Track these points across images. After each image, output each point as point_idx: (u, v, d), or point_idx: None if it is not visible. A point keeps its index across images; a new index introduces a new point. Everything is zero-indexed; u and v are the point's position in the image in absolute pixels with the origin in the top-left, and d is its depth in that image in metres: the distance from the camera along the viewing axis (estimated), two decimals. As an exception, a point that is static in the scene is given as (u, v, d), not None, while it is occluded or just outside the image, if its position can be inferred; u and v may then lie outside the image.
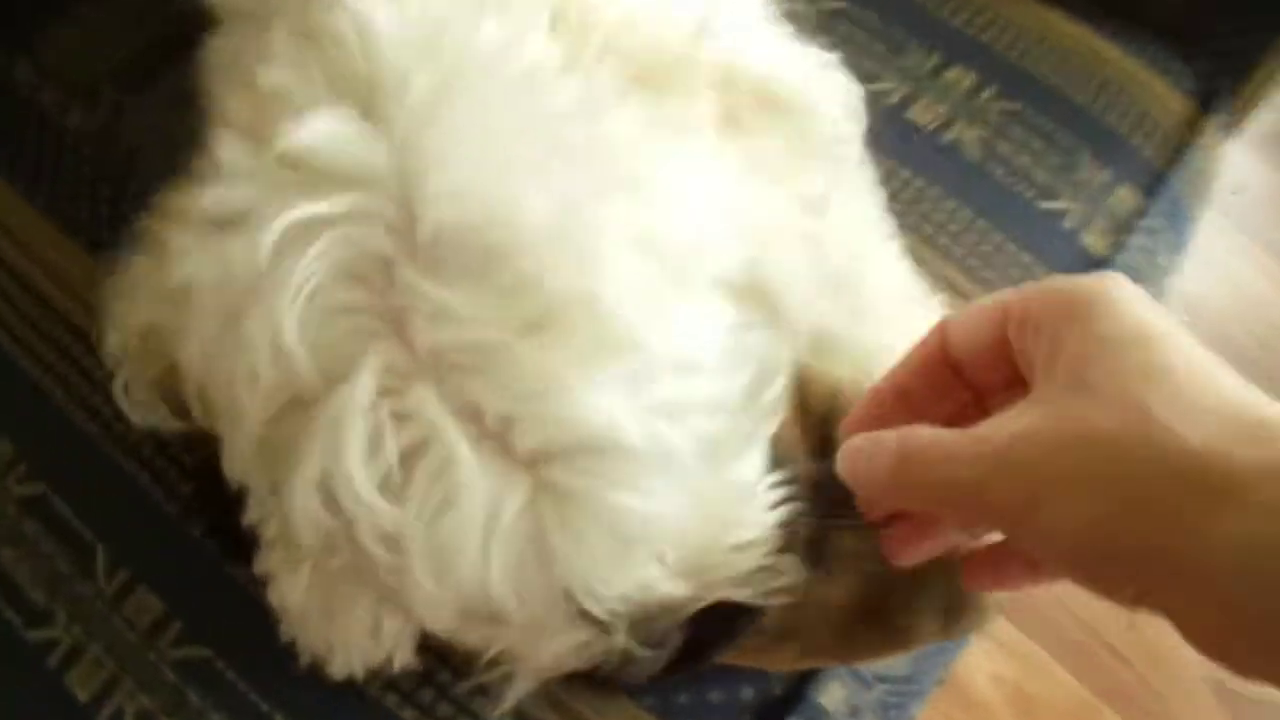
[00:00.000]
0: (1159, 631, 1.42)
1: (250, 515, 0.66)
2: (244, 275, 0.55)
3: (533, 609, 0.58)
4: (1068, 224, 1.03)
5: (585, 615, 0.60)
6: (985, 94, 1.07)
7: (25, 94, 1.05)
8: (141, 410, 0.70)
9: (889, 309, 0.82)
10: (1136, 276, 0.99)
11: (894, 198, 0.94)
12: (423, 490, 0.54)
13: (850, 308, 0.78)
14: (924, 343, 0.60)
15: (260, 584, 0.71)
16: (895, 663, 0.84)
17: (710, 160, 0.62)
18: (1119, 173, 1.06)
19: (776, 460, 0.65)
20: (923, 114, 1.05)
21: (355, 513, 0.54)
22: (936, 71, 1.08)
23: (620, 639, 0.63)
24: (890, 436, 0.55)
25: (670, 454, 0.55)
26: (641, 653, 0.64)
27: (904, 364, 0.61)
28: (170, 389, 0.65)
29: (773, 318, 0.64)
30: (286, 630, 0.68)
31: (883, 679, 0.83)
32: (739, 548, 0.63)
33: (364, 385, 0.53)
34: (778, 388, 0.63)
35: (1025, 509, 0.49)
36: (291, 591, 0.66)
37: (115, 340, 0.67)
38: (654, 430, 0.54)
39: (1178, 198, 1.08)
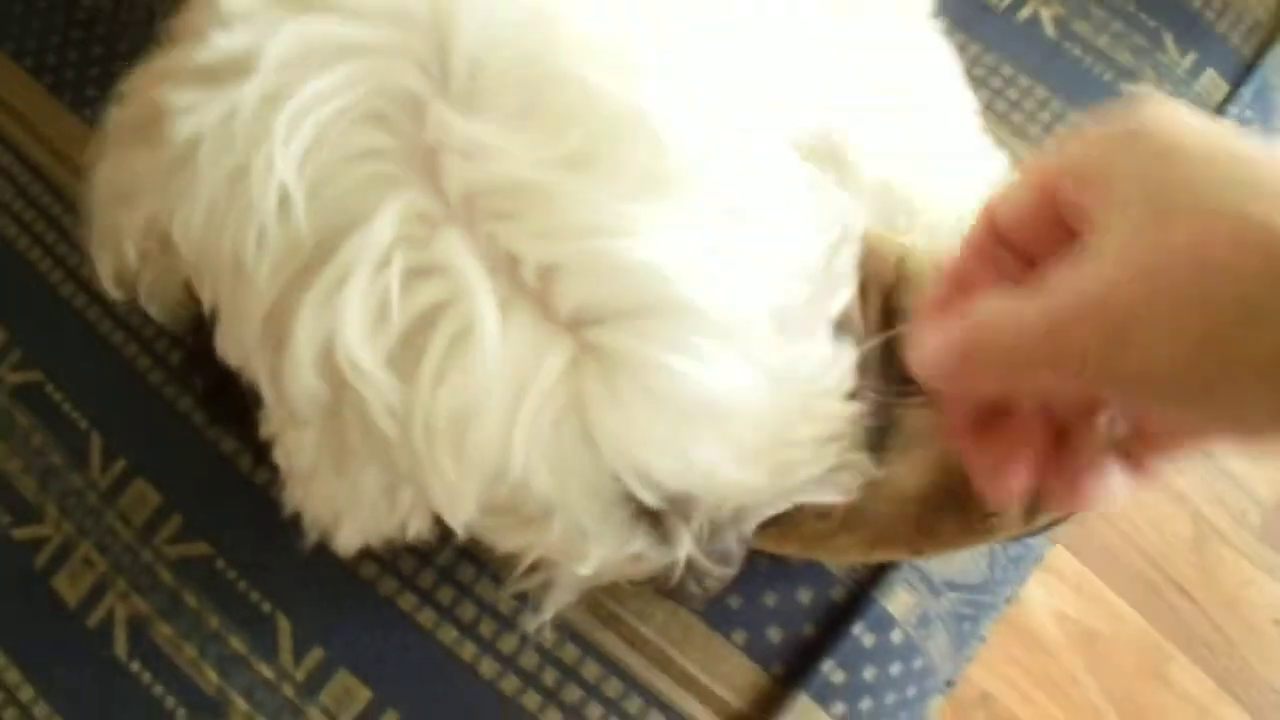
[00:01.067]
0: (1229, 570, 1.41)
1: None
2: (249, 122, 0.50)
3: (573, 500, 0.53)
4: None
5: (639, 516, 0.56)
6: None
7: None
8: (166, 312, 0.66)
9: (956, 163, 0.79)
10: None
11: (966, 74, 0.87)
12: (439, 356, 0.49)
13: (916, 159, 0.75)
14: (974, 229, 0.54)
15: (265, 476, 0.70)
16: (968, 568, 0.79)
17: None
18: (1204, 57, 1.01)
19: (842, 334, 0.60)
20: None
21: (359, 386, 0.50)
22: None
23: (682, 550, 0.58)
24: (954, 316, 0.50)
25: (738, 316, 0.50)
26: (706, 568, 0.60)
27: (958, 253, 0.55)
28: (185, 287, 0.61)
29: (845, 179, 0.60)
30: (291, 498, 0.63)
31: (954, 586, 0.78)
32: (817, 441, 0.58)
33: (378, 234, 0.48)
34: (852, 254, 0.58)
35: (1113, 349, 0.44)
36: (298, 449, 0.61)
37: (129, 249, 0.63)
38: (720, 285, 0.49)
39: (1267, 91, 1.03)
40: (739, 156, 0.51)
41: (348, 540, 0.62)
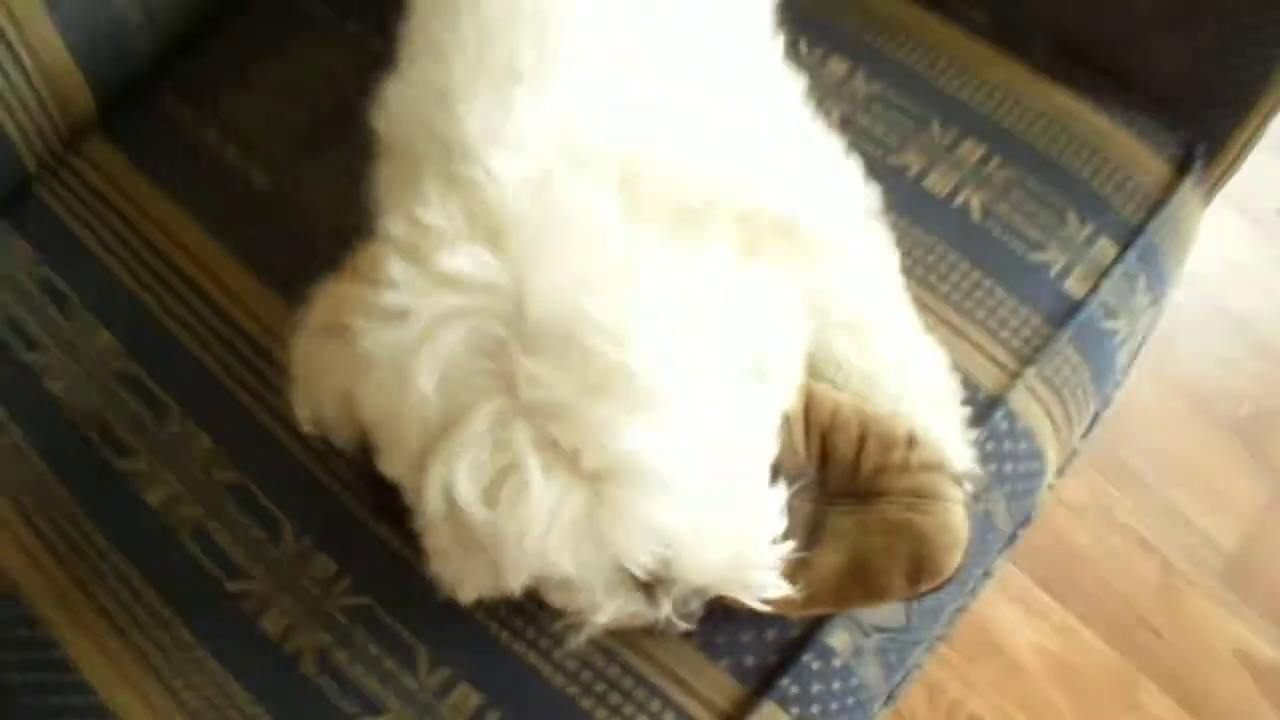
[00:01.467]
0: (1193, 609, 1.72)
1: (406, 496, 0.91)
2: (406, 350, 0.79)
3: (591, 576, 0.83)
4: (1052, 272, 1.19)
5: (636, 587, 0.86)
6: (991, 164, 1.24)
7: (215, 155, 1.28)
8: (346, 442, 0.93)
9: (888, 348, 1.04)
10: (1110, 312, 1.19)
11: (908, 253, 1.13)
12: (509, 496, 0.77)
13: (857, 344, 1.02)
14: None
15: (407, 546, 0.97)
16: (889, 617, 1.04)
17: (724, 272, 0.85)
18: (1099, 227, 1.22)
19: (784, 464, 0.89)
20: (937, 183, 1.23)
21: (465, 513, 0.78)
22: (952, 146, 1.25)
23: (664, 609, 0.88)
24: None
25: (682, 478, 0.80)
26: (677, 620, 0.89)
27: None
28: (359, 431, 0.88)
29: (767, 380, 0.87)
30: (433, 568, 0.90)
31: (880, 629, 1.03)
32: (754, 560, 0.87)
33: (477, 424, 0.78)
34: (772, 428, 0.88)
35: None
36: (437, 538, 0.89)
37: (325, 405, 0.90)
38: (671, 462, 0.79)
39: (1154, 245, 1.24)
40: (686, 385, 0.79)
41: (466, 596, 0.90)
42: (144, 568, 1.07)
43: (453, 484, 0.78)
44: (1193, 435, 2.02)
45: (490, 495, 0.78)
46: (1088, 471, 1.95)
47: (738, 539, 0.85)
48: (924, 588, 0.93)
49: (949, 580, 0.94)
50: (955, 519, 0.93)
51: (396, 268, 0.81)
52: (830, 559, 0.93)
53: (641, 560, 0.80)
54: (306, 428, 0.92)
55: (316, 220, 1.16)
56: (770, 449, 0.87)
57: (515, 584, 0.83)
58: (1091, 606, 1.88)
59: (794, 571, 0.89)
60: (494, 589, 0.89)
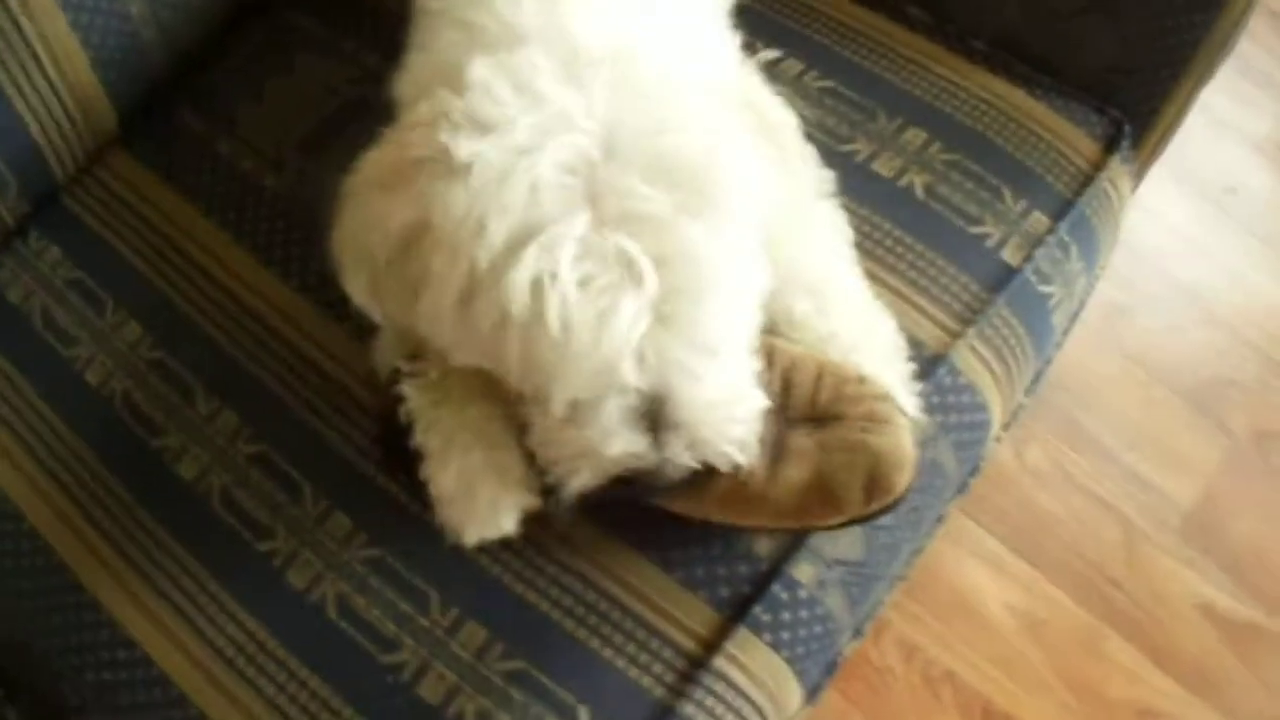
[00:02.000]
0: (1154, 566, 1.88)
1: (417, 437, 1.01)
2: (509, 155, 0.84)
3: (642, 381, 0.87)
4: (990, 244, 1.27)
5: (646, 427, 0.91)
6: (933, 148, 1.33)
7: (229, 162, 1.36)
8: (384, 301, 0.96)
9: (844, 310, 1.13)
10: (1044, 278, 1.28)
11: (859, 229, 1.22)
12: (595, 296, 0.82)
13: (816, 306, 1.11)
14: None
15: (415, 501, 1.04)
16: (850, 549, 1.13)
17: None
18: (1033, 202, 1.30)
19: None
20: (884, 167, 1.32)
21: (555, 300, 0.81)
22: (897, 133, 1.34)
23: (665, 451, 0.92)
24: None
25: (738, 312, 0.90)
26: (664, 472, 0.93)
27: None
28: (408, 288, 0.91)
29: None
30: (438, 515, 1.00)
31: (840, 562, 1.12)
32: (740, 417, 0.94)
33: (575, 227, 0.82)
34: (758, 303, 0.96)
35: None
36: (444, 482, 0.98)
37: (378, 256, 0.92)
38: (736, 275, 0.88)
39: (1084, 217, 1.32)
40: (747, 233, 0.88)
41: (469, 538, 1.00)
42: (181, 536, 1.14)
43: (550, 274, 0.82)
44: (1149, 401, 2.09)
45: (580, 294, 0.82)
46: (1049, 439, 2.02)
47: (731, 387, 0.93)
48: (877, 504, 1.01)
49: (899, 500, 1.01)
50: (904, 441, 1.01)
51: (500, 87, 0.86)
52: (794, 474, 1.01)
53: (677, 379, 0.88)
54: (361, 298, 0.96)
55: (320, 211, 1.18)
56: (754, 323, 0.96)
57: (562, 392, 0.88)
58: (1058, 566, 1.94)
59: (763, 485, 0.99)
60: (494, 527, 0.98)
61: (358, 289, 0.95)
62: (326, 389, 1.20)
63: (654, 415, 0.89)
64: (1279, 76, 2.44)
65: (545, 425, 0.93)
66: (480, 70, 0.88)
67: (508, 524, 0.99)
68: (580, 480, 0.94)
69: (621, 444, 0.90)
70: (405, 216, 0.88)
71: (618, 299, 0.82)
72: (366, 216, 0.92)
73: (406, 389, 1.03)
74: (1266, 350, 2.15)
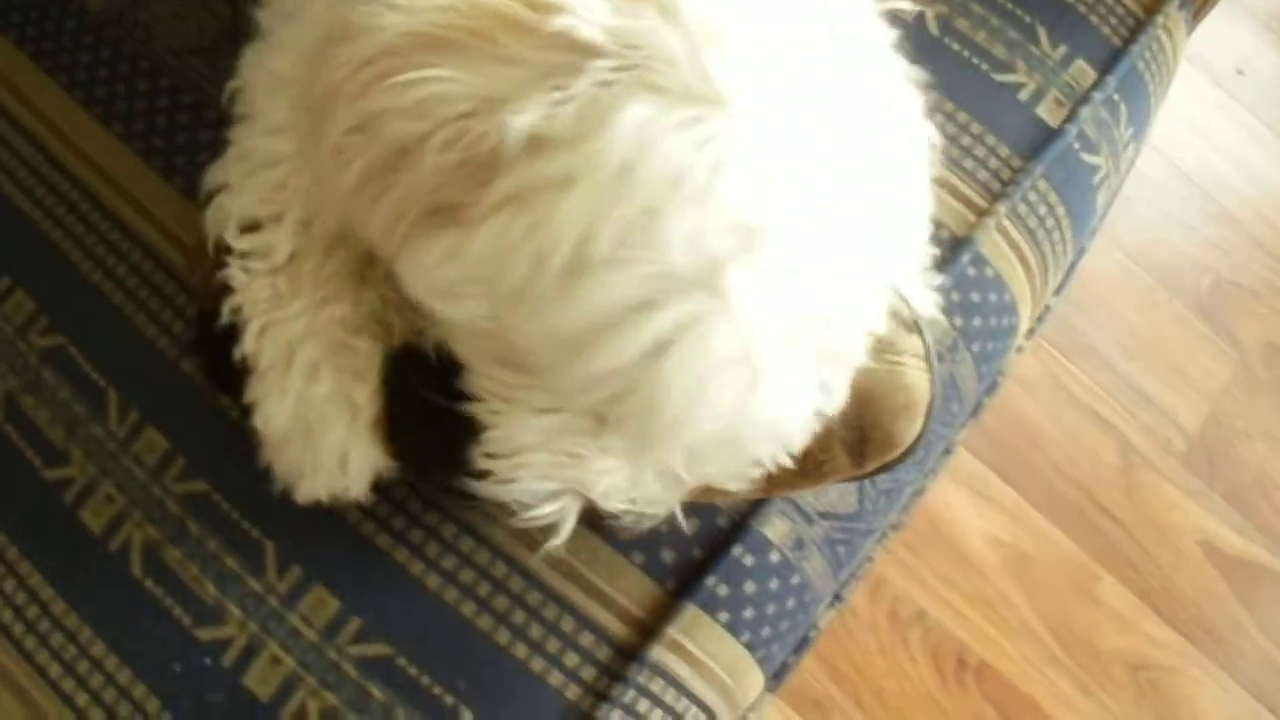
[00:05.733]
0: (1154, 495, 1.52)
1: (244, 345, 0.79)
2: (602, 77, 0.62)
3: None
4: (1022, 96, 1.08)
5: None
6: None
7: None
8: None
9: None
10: (1089, 145, 1.08)
11: None
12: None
13: None
14: None
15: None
16: (841, 501, 0.93)
17: None
18: (1074, 47, 1.11)
19: None
20: None
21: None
22: None
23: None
24: None
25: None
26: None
27: None
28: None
29: None
30: (265, 455, 0.79)
31: (826, 515, 0.92)
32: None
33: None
34: None
35: None
36: (276, 417, 0.77)
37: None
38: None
39: (1136, 72, 1.14)
40: None
41: (305, 495, 0.79)
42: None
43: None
44: (1150, 306, 1.99)
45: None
46: (1041, 342, 1.91)
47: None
48: (872, 463, 0.79)
49: (907, 453, 0.80)
50: (910, 378, 0.79)
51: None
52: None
53: None
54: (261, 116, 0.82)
55: (155, 38, 1.02)
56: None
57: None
58: (1046, 491, 1.82)
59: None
60: (337, 486, 0.80)
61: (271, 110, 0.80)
62: (146, 266, 0.99)
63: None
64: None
65: (519, 403, 0.73)
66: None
67: (357, 486, 0.81)
68: (567, 526, 0.75)
69: (648, 494, 0.74)
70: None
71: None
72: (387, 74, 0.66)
73: (235, 273, 0.82)
74: (1277, 251, 2.08)
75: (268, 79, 0.83)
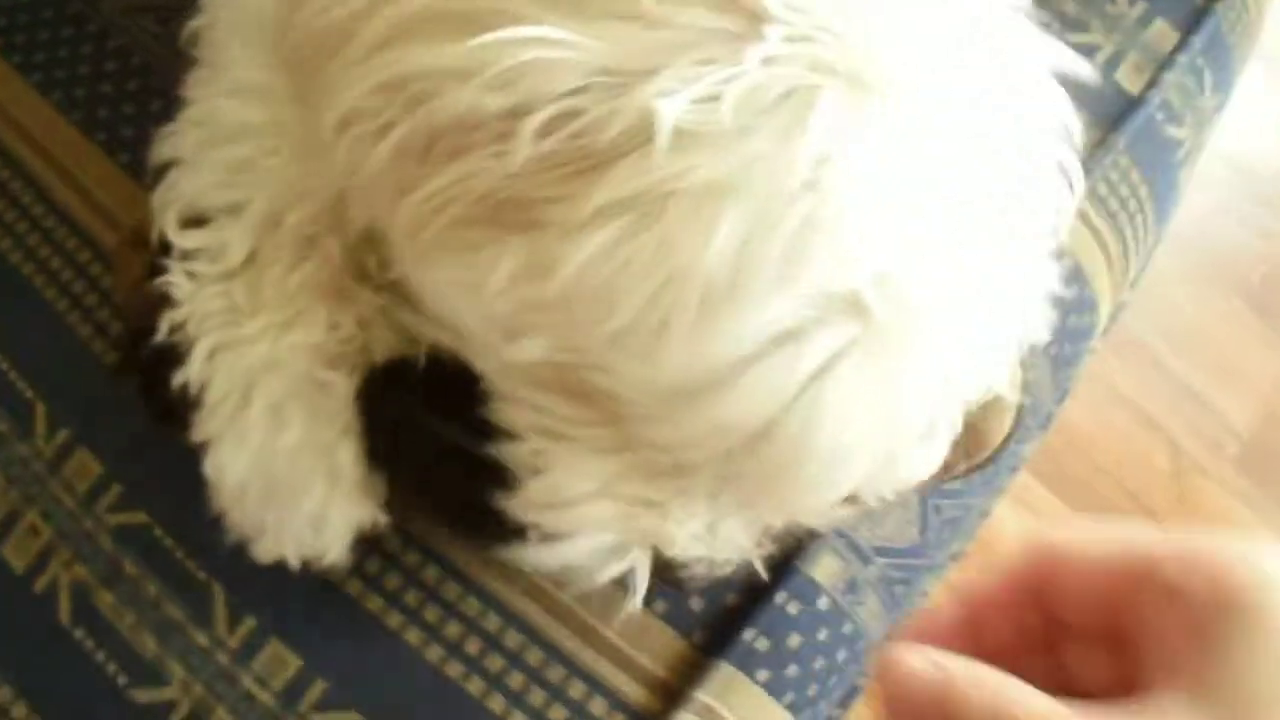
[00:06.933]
0: (1206, 501, 1.43)
1: (190, 374, 0.67)
2: None
3: None
4: (1099, 59, 0.99)
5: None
6: None
7: None
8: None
9: None
10: (1172, 116, 0.99)
11: None
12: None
13: None
14: (1023, 560, 0.48)
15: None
16: (899, 533, 0.83)
17: None
18: (1154, 6, 1.02)
19: None
20: None
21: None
22: None
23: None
24: (959, 673, 0.43)
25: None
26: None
27: (991, 577, 0.49)
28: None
29: None
30: (218, 503, 0.69)
31: (883, 552, 0.81)
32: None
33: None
34: None
35: None
36: (233, 464, 0.66)
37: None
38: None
39: (1220, 34, 1.05)
40: None
41: (266, 555, 0.69)
42: None
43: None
44: (1200, 300, 1.95)
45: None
46: None
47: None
48: (959, 467, 0.75)
49: (999, 451, 0.76)
50: None
51: None
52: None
53: None
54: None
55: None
56: None
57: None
58: (1090, 498, 1.76)
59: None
60: (309, 549, 0.69)
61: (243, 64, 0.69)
62: (83, 257, 0.89)
63: None
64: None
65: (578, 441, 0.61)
66: None
67: (334, 549, 0.69)
68: (587, 549, 0.63)
69: (729, 540, 0.64)
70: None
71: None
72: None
73: (176, 278, 0.70)
74: (1331, 242, 2.01)
75: (241, 17, 0.69)
